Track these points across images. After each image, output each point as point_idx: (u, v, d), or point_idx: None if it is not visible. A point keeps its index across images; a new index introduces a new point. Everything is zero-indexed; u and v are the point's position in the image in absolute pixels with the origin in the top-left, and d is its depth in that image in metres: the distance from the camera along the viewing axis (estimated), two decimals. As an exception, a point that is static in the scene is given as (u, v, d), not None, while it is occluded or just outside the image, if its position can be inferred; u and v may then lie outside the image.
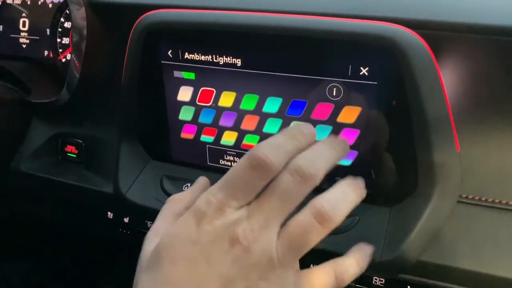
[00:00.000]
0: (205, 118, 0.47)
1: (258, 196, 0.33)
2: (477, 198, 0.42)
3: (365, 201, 0.36)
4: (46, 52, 0.66)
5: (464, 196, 0.42)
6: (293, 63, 0.42)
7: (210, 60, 0.44)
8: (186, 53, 0.45)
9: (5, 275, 0.84)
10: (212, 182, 0.44)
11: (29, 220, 0.80)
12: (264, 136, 0.45)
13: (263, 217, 0.32)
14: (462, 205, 0.42)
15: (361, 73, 0.39)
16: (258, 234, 0.31)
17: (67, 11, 0.63)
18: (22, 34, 0.67)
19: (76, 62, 0.57)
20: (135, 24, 0.46)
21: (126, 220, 0.58)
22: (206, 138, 0.48)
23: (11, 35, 0.68)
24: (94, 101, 0.59)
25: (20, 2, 0.67)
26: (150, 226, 0.39)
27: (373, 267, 0.37)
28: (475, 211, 0.42)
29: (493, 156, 0.41)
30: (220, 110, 0.46)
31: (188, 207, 0.39)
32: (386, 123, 0.40)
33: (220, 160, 0.49)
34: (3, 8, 0.68)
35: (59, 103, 0.59)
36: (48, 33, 0.65)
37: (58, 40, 0.65)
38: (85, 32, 0.55)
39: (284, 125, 0.44)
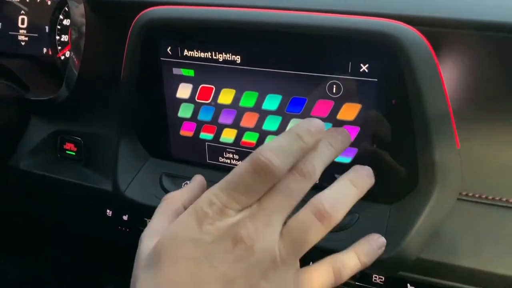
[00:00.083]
0: (205, 115, 0.47)
1: (259, 198, 0.32)
2: (477, 195, 0.42)
3: (365, 199, 0.36)
4: (45, 50, 0.66)
5: (464, 193, 0.42)
6: (292, 60, 0.41)
7: (210, 57, 0.44)
8: (186, 50, 0.45)
9: (3, 273, 0.84)
10: (212, 179, 0.44)
11: (28, 218, 0.80)
12: (263, 134, 0.45)
13: (265, 215, 0.32)
14: (462, 202, 0.42)
15: (361, 70, 0.39)
16: (261, 232, 0.31)
17: (66, 9, 0.63)
18: (21, 31, 0.67)
19: (75, 59, 0.56)
20: (134, 21, 0.46)
21: (125, 218, 0.58)
22: (206, 135, 0.48)
23: (10, 33, 0.68)
24: (93, 98, 0.59)
25: (19, 0, 0.67)
26: (149, 224, 0.38)
27: (373, 265, 0.37)
28: (475, 208, 0.41)
29: (494, 154, 0.41)
30: (219, 107, 0.46)
31: (185, 205, 0.40)
32: (386, 120, 0.40)
33: (220, 158, 0.49)
34: (2, 5, 0.67)
35: (58, 100, 0.59)
36: (47, 30, 0.65)
37: (57, 37, 0.65)
38: (84, 29, 0.55)
39: (284, 122, 0.44)
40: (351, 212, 0.36)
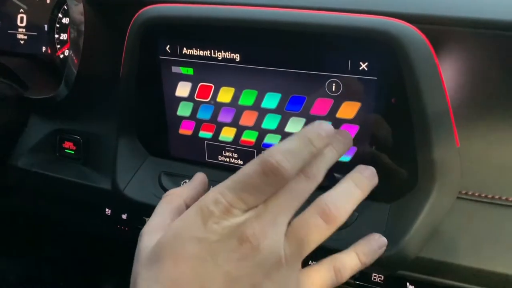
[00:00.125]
0: (204, 114, 0.47)
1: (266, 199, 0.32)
2: (477, 194, 0.42)
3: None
4: (44, 48, 0.66)
5: (463, 192, 0.42)
6: (292, 58, 0.41)
7: (209, 55, 0.44)
8: (185, 48, 0.45)
9: (3, 272, 0.84)
10: (211, 178, 0.44)
11: (27, 217, 0.80)
12: (262, 132, 0.45)
13: (271, 215, 0.32)
14: (461, 201, 0.42)
15: (360, 68, 0.39)
16: (267, 232, 0.31)
17: (65, 7, 0.63)
18: (20, 30, 0.67)
19: (74, 58, 0.56)
20: (133, 19, 0.46)
21: (124, 216, 0.58)
22: (205, 134, 0.48)
23: (9, 31, 0.67)
24: (92, 97, 0.58)
25: (18, -2, 0.67)
26: (149, 222, 0.38)
27: (372, 264, 0.37)
28: (474, 207, 0.41)
29: (493, 152, 0.41)
30: (218, 106, 0.46)
31: (187, 203, 0.39)
32: (386, 119, 0.40)
33: (219, 156, 0.49)
34: (1, 3, 0.67)
35: (57, 99, 0.59)
36: (46, 29, 0.65)
37: (56, 36, 0.65)
38: (83, 27, 0.55)
39: (283, 121, 0.44)
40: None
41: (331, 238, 0.36)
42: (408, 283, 0.45)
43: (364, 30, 0.38)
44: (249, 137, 0.46)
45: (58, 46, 0.65)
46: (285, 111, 0.43)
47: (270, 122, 0.44)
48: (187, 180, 0.49)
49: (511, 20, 0.37)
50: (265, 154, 0.32)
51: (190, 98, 0.47)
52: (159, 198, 0.40)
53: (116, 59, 0.50)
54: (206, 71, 0.45)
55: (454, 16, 0.39)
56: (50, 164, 0.62)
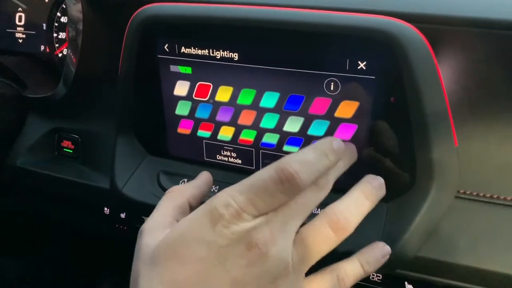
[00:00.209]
0: (202, 113, 0.47)
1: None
2: (475, 193, 0.42)
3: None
4: (42, 47, 0.66)
5: (462, 191, 0.42)
6: (290, 57, 0.41)
7: (207, 54, 0.44)
8: (183, 47, 0.45)
9: (2, 272, 0.84)
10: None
11: (26, 216, 0.80)
12: (261, 131, 0.45)
13: (281, 223, 0.31)
14: (460, 200, 0.42)
15: (359, 68, 0.39)
16: (276, 239, 0.31)
17: (64, 6, 0.63)
18: (18, 28, 0.67)
19: (72, 57, 0.56)
20: (131, 18, 0.46)
21: (122, 215, 0.58)
22: (203, 133, 0.48)
23: (7, 30, 0.67)
24: (90, 96, 0.58)
25: (16, -3, 0.67)
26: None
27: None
28: (473, 206, 0.41)
29: (492, 151, 0.41)
30: (217, 105, 0.46)
31: (190, 201, 0.39)
32: (384, 118, 0.40)
33: (217, 156, 0.49)
34: (0, 2, 0.67)
35: (55, 98, 0.59)
36: (44, 27, 0.65)
37: (55, 35, 0.65)
38: (81, 26, 0.55)
39: (281, 120, 0.44)
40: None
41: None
42: (406, 282, 0.45)
43: (363, 29, 0.38)
44: (247, 136, 0.46)
45: (57, 45, 0.65)
46: (283, 110, 0.43)
47: (269, 121, 0.44)
48: (185, 180, 0.49)
49: (510, 20, 0.37)
50: (281, 162, 0.31)
51: (188, 97, 0.47)
52: (158, 197, 0.40)
53: (114, 58, 0.50)
54: (204, 70, 0.45)
55: (452, 15, 0.38)
56: (49, 163, 0.61)
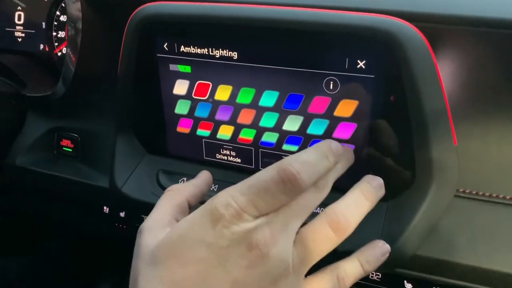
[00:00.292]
0: (201, 112, 0.47)
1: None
2: (474, 192, 0.42)
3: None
4: (41, 46, 0.66)
5: (461, 190, 0.42)
6: (289, 56, 0.41)
7: (206, 53, 0.44)
8: (182, 46, 0.45)
9: (2, 271, 0.84)
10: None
11: (25, 215, 0.80)
12: (260, 130, 0.45)
13: (282, 223, 0.31)
14: (459, 199, 0.42)
15: (358, 66, 0.39)
16: (277, 240, 0.31)
17: (63, 5, 0.63)
18: (18, 27, 0.67)
19: (71, 56, 0.56)
20: (130, 17, 0.46)
21: (122, 214, 0.58)
22: (202, 132, 0.48)
23: (7, 29, 0.67)
24: (89, 95, 0.58)
25: (15, -5, 0.66)
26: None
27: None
28: (472, 205, 0.41)
29: (491, 150, 0.41)
30: (216, 104, 0.46)
31: (189, 200, 0.39)
32: (383, 117, 0.40)
33: (217, 155, 0.49)
34: (-1, 1, 0.67)
35: (55, 97, 0.59)
36: (43, 26, 0.65)
37: (54, 33, 0.65)
38: (80, 25, 0.55)
39: (281, 119, 0.44)
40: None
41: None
42: (405, 281, 0.45)
43: (362, 28, 0.38)
44: (246, 135, 0.46)
45: (56, 44, 0.65)
46: (282, 109, 0.43)
47: (268, 120, 0.44)
48: (185, 179, 0.49)
49: (509, 18, 0.37)
50: (283, 162, 0.31)
51: (187, 96, 0.47)
52: (157, 196, 0.40)
53: (113, 57, 0.50)
54: (203, 69, 0.45)
55: (452, 14, 0.38)
56: (48, 162, 0.61)
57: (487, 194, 0.41)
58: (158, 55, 0.46)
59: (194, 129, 0.48)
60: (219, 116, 0.46)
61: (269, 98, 0.43)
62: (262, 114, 0.44)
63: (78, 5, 0.55)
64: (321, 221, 0.33)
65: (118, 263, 0.88)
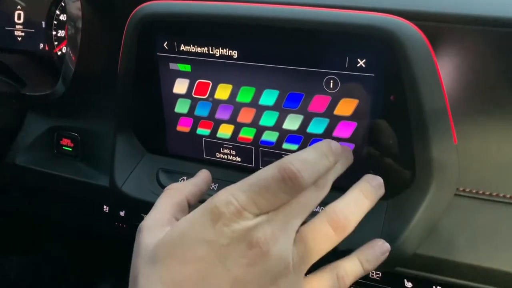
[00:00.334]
0: (201, 111, 0.47)
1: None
2: (474, 191, 0.42)
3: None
4: (41, 45, 0.66)
5: (461, 189, 0.42)
6: (289, 55, 0.41)
7: (206, 52, 0.44)
8: (182, 45, 0.45)
9: (2, 270, 0.84)
10: (208, 175, 0.44)
11: (25, 214, 0.80)
12: (260, 129, 0.45)
13: (282, 222, 0.31)
14: (459, 198, 0.42)
15: (358, 65, 0.39)
16: (277, 238, 0.31)
17: (63, 4, 0.63)
18: (17, 26, 0.67)
19: (71, 55, 0.56)
20: (130, 16, 0.46)
21: (122, 213, 0.58)
22: (202, 131, 0.48)
23: (6, 28, 0.67)
24: (89, 94, 0.58)
25: (15, -5, 0.66)
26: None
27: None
28: (472, 204, 0.41)
29: (491, 149, 0.41)
30: (216, 103, 0.46)
31: (189, 199, 0.39)
32: (383, 116, 0.40)
33: (217, 153, 0.49)
34: (-2, 0, 0.67)
35: (55, 96, 0.59)
36: (43, 25, 0.65)
37: (54, 32, 0.64)
38: (80, 24, 0.55)
39: (281, 118, 0.44)
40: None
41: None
42: (405, 280, 0.45)
43: (362, 27, 0.38)
44: (247, 134, 0.46)
45: (56, 43, 0.65)
46: (283, 108, 0.43)
47: (268, 119, 0.44)
48: (185, 178, 0.49)
49: (509, 17, 0.37)
50: (284, 161, 0.31)
51: (187, 95, 0.47)
52: (157, 195, 0.40)
53: (113, 56, 0.50)
54: (203, 68, 0.45)
55: (452, 13, 0.38)
56: (48, 161, 0.61)
57: (487, 193, 0.41)
58: (158, 54, 0.46)
59: (194, 128, 0.48)
60: (219, 115, 0.46)
61: (269, 97, 0.43)
62: (262, 113, 0.44)
63: (78, 4, 0.55)
64: (321, 219, 0.33)
65: (118, 263, 0.88)
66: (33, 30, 0.66)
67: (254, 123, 0.45)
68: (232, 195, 0.31)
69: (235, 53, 0.43)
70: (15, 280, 0.84)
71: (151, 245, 0.32)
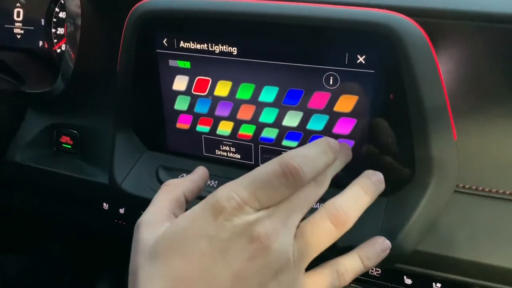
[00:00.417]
0: (201, 107, 0.47)
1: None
2: (474, 187, 0.42)
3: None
4: (40, 43, 0.65)
5: (461, 185, 0.42)
6: (289, 51, 0.41)
7: (206, 48, 0.44)
8: (182, 42, 0.45)
9: (1, 267, 0.84)
10: (209, 172, 0.44)
11: (25, 211, 0.80)
12: (260, 126, 0.45)
13: (283, 217, 0.31)
14: (459, 194, 0.42)
15: (358, 62, 0.39)
16: (278, 233, 0.31)
17: (62, 1, 0.63)
18: (17, 24, 0.67)
19: (70, 52, 0.56)
20: (129, 13, 0.46)
21: (121, 211, 0.58)
22: (202, 128, 0.48)
23: (6, 26, 0.67)
24: (89, 91, 0.58)
25: (14, -8, 0.66)
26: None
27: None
28: (472, 200, 0.41)
29: (491, 145, 0.41)
30: (216, 100, 0.46)
31: (186, 195, 0.39)
32: (383, 112, 0.40)
33: (216, 150, 0.49)
34: (-3, -2, 0.67)
35: (54, 93, 0.59)
36: (42, 23, 0.65)
37: (53, 30, 0.64)
38: (79, 22, 0.55)
39: (281, 114, 0.44)
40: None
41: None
42: (405, 276, 0.45)
43: (362, 23, 0.37)
44: (246, 131, 0.46)
45: (55, 40, 0.64)
46: (282, 105, 0.43)
47: (268, 115, 0.44)
48: (184, 174, 0.49)
49: (509, 13, 0.37)
50: (285, 156, 0.32)
51: (187, 92, 0.47)
52: (157, 192, 0.40)
53: (113, 53, 0.50)
54: (203, 65, 0.45)
55: (452, 9, 0.38)
56: (47, 158, 0.61)
57: (487, 189, 0.41)
58: (157, 50, 0.46)
59: (193, 125, 0.48)
60: (218, 112, 0.46)
61: (268, 94, 0.43)
62: (262, 109, 0.44)
63: (77, 1, 0.54)
64: (321, 215, 0.33)
65: (118, 262, 0.88)
66: (32, 28, 0.66)
67: (254, 120, 0.45)
68: (234, 190, 0.31)
69: (234, 49, 0.43)
70: (15, 279, 0.84)
71: (151, 240, 0.32)
